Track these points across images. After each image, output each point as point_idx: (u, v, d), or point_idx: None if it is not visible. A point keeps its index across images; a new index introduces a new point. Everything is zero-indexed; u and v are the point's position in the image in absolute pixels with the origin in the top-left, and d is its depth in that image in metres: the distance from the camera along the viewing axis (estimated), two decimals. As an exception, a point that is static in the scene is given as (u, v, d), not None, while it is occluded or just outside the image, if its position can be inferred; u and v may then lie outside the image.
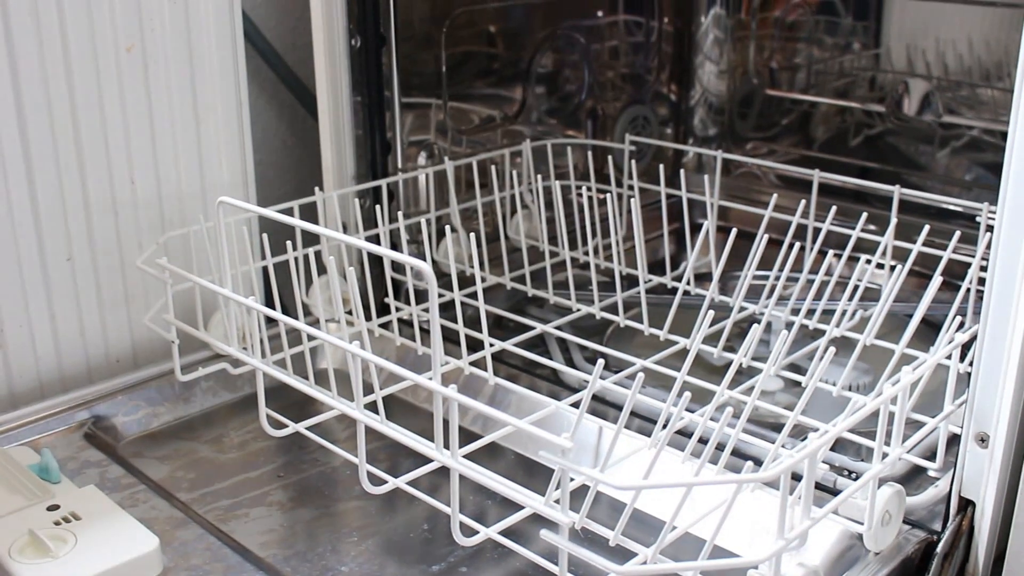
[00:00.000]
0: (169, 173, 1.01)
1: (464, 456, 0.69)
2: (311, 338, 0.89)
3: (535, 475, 0.86)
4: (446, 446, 0.67)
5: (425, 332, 1.00)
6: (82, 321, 0.98)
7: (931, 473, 0.79)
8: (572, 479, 0.68)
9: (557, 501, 0.62)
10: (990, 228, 0.92)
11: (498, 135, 1.23)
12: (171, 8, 0.98)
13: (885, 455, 0.69)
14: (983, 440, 0.69)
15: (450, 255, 0.96)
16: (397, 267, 1.07)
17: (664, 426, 0.71)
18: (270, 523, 0.81)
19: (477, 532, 0.69)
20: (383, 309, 1.04)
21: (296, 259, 0.93)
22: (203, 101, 1.02)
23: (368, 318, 1.00)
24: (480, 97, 1.21)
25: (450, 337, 0.96)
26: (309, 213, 0.98)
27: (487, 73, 1.21)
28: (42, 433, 0.91)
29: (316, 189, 1.01)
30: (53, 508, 0.78)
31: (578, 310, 1.03)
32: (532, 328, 0.99)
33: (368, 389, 0.80)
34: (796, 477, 0.63)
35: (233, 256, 0.89)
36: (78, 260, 0.97)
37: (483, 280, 1.00)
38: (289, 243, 0.93)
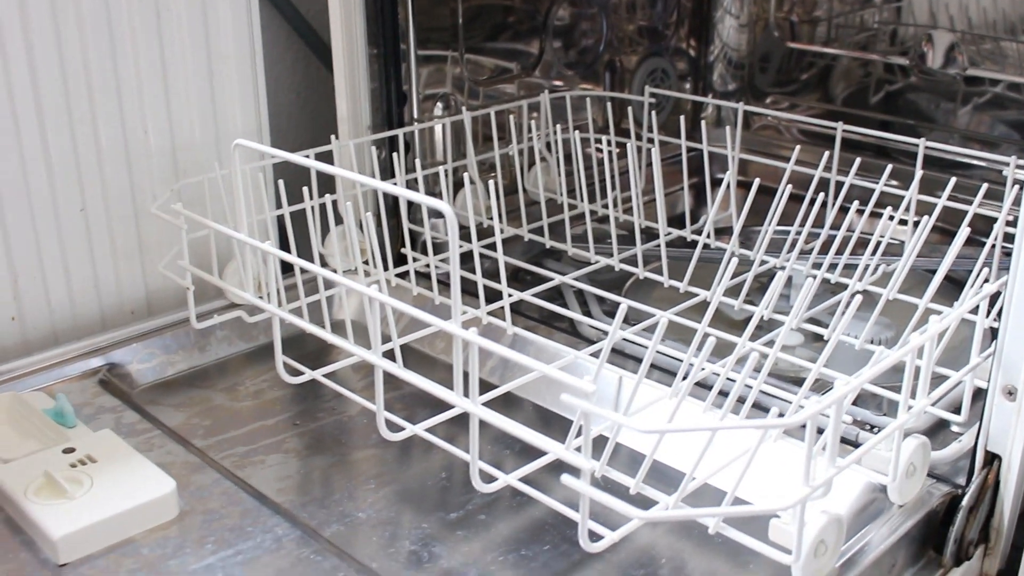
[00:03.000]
0: (183, 123, 1.01)
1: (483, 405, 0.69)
2: (328, 286, 0.89)
3: (552, 427, 0.86)
4: (466, 391, 0.66)
5: (442, 283, 0.99)
6: (96, 271, 0.98)
7: (955, 428, 0.78)
8: (593, 426, 0.68)
9: (579, 449, 0.61)
10: (1017, 182, 0.92)
11: (516, 87, 1.21)
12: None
13: (910, 407, 0.68)
14: (1011, 393, 0.68)
15: (468, 206, 0.95)
16: (414, 218, 1.07)
17: (684, 377, 0.71)
18: (286, 470, 0.81)
19: (496, 479, 0.69)
20: (400, 260, 1.03)
21: (312, 207, 0.92)
22: (217, 51, 1.01)
23: (385, 268, 0.99)
24: (497, 50, 1.19)
25: (468, 288, 0.94)
26: (324, 163, 0.97)
27: (504, 26, 1.20)
28: (57, 379, 0.90)
29: (332, 137, 1.00)
30: (69, 451, 0.77)
31: (596, 262, 1.02)
32: (550, 280, 0.98)
33: (386, 338, 0.79)
34: (820, 430, 0.62)
35: (248, 203, 0.88)
36: (91, 210, 0.97)
37: (501, 231, 1.00)
38: (305, 189, 0.92)
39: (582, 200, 1.06)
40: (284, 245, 0.95)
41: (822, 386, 0.81)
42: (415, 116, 1.08)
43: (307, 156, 0.95)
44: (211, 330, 0.96)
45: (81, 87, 0.93)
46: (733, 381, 0.68)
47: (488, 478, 0.69)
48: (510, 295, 0.91)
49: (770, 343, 0.84)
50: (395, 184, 1.03)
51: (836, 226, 0.94)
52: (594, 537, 0.63)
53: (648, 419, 0.77)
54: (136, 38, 0.95)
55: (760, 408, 0.78)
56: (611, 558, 0.70)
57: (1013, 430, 0.69)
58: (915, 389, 0.69)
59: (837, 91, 1.29)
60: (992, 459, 0.70)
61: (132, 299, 1.00)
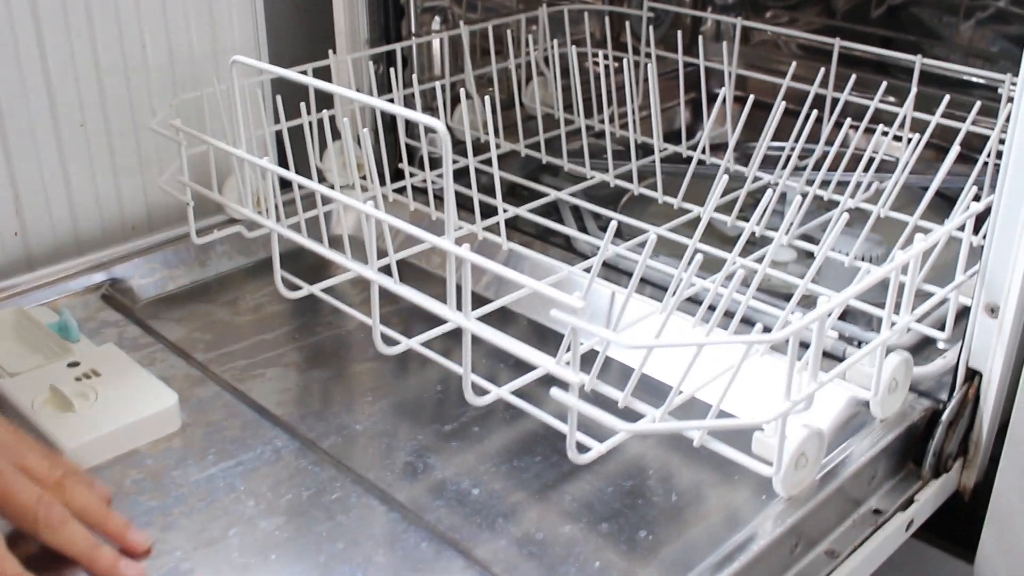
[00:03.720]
0: (180, 36, 1.00)
1: (477, 320, 0.70)
2: (326, 201, 0.90)
3: (547, 341, 0.87)
4: (459, 306, 0.68)
5: (439, 198, 1.01)
6: (96, 186, 0.99)
7: (940, 345, 0.80)
8: (583, 341, 0.70)
9: (568, 364, 0.63)
10: (1011, 100, 0.92)
11: (513, 1, 1.21)
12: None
13: (894, 323, 0.69)
14: (993, 311, 0.70)
15: (464, 121, 0.96)
16: (411, 133, 1.07)
17: (675, 292, 0.72)
18: (286, 383, 0.83)
19: (488, 392, 0.71)
20: (397, 175, 1.04)
21: (310, 123, 0.93)
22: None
23: (382, 183, 1.00)
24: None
25: (464, 204, 0.96)
26: (322, 78, 0.97)
27: None
28: (60, 294, 0.92)
29: (330, 52, 1.00)
30: (73, 365, 0.79)
31: (592, 178, 1.03)
32: (546, 195, 0.99)
33: (382, 253, 0.80)
34: (806, 345, 0.64)
35: (247, 118, 0.89)
36: (91, 125, 0.97)
37: (497, 147, 1.00)
38: (303, 105, 0.92)
39: (579, 115, 1.07)
40: (283, 161, 0.96)
41: (812, 302, 0.82)
42: (412, 30, 1.08)
43: (304, 72, 0.95)
44: (211, 245, 0.98)
45: (79, 6, 0.93)
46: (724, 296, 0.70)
47: (480, 391, 0.71)
48: (505, 210, 0.92)
49: (762, 259, 0.85)
50: (391, 100, 1.03)
51: (831, 142, 0.94)
52: (582, 449, 0.65)
53: (636, 335, 0.79)
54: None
55: (750, 323, 0.80)
56: (600, 469, 0.72)
57: (994, 347, 0.70)
58: (900, 306, 0.71)
59: (838, 5, 1.28)
60: (973, 375, 0.72)
61: (133, 214, 1.01)
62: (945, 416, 0.72)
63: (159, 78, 1.00)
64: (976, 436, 0.73)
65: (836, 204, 0.92)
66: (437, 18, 1.12)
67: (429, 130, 1.02)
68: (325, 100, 0.95)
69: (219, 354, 0.87)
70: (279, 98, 0.92)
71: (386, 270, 0.76)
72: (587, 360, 0.70)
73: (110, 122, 0.98)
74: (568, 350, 0.63)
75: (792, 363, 0.60)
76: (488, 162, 0.97)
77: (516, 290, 0.83)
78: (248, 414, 0.78)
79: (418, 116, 0.65)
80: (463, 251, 0.65)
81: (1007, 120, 0.72)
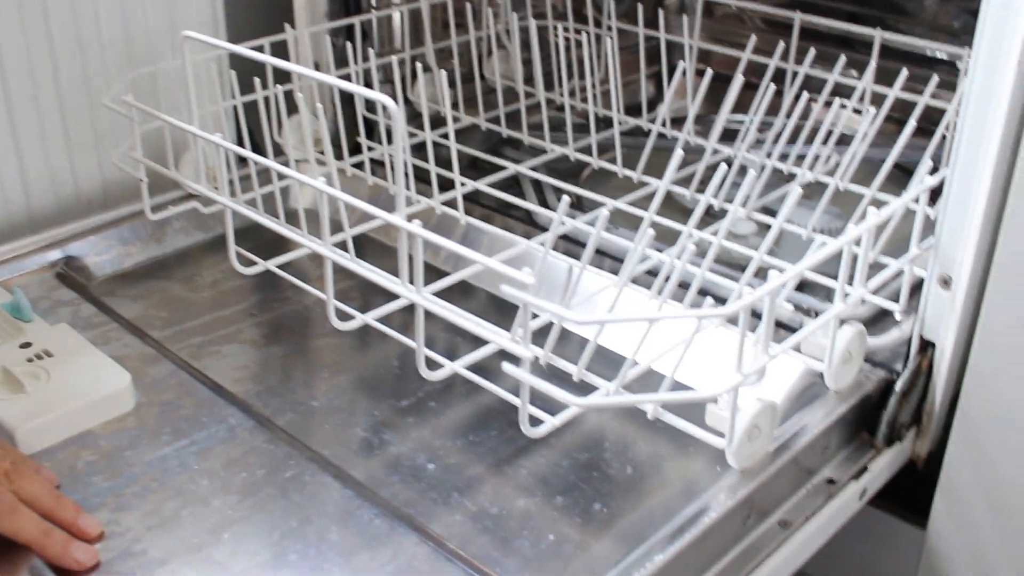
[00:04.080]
0: (135, 9, 0.99)
1: (435, 294, 0.70)
2: (282, 177, 0.89)
3: (506, 315, 0.87)
4: (412, 282, 0.68)
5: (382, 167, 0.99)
6: (50, 161, 0.97)
7: (896, 316, 0.80)
8: (536, 316, 0.69)
9: (520, 338, 0.63)
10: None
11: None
12: None
13: (847, 295, 0.70)
14: (946, 283, 0.70)
15: (422, 95, 0.95)
16: (370, 107, 1.06)
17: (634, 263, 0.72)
18: (242, 360, 0.82)
19: (442, 367, 0.70)
20: (357, 149, 1.03)
21: (267, 98, 0.92)
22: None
23: (340, 158, 0.99)
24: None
25: (424, 178, 0.96)
26: (280, 51, 0.97)
27: None
28: (14, 273, 0.91)
29: (287, 26, 0.99)
30: (25, 346, 0.79)
31: (551, 151, 1.03)
32: (505, 169, 0.99)
33: (338, 228, 0.80)
34: (760, 316, 0.64)
35: (201, 94, 0.88)
36: (43, 100, 0.96)
37: (456, 120, 1.00)
38: (258, 81, 0.91)
39: (539, 89, 1.06)
40: (240, 135, 0.95)
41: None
42: (372, 3, 1.07)
43: (261, 46, 0.95)
44: (168, 221, 0.97)
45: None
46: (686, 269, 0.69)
47: (435, 366, 0.71)
48: (463, 184, 0.92)
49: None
50: (349, 75, 1.03)
51: (791, 115, 0.94)
52: (535, 423, 0.65)
53: (592, 308, 0.79)
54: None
55: (707, 295, 0.80)
56: (556, 442, 0.72)
57: (947, 318, 0.71)
58: (855, 278, 0.71)
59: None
60: (926, 346, 0.72)
61: (88, 190, 1.00)
62: (898, 386, 0.72)
63: (114, 53, 0.99)
64: (929, 406, 0.74)
65: (795, 177, 0.92)
66: (396, -8, 1.11)
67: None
68: (284, 74, 0.94)
69: (175, 331, 0.86)
70: (234, 73, 0.91)
71: (344, 245, 0.76)
72: (547, 333, 0.70)
73: (64, 97, 0.97)
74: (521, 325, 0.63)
75: (742, 337, 0.60)
76: (447, 136, 0.97)
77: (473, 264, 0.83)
78: (203, 392, 0.78)
79: (370, 92, 0.64)
80: (413, 227, 0.64)
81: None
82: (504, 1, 1.13)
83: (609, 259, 0.90)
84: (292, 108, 0.96)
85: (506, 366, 0.62)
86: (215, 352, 0.83)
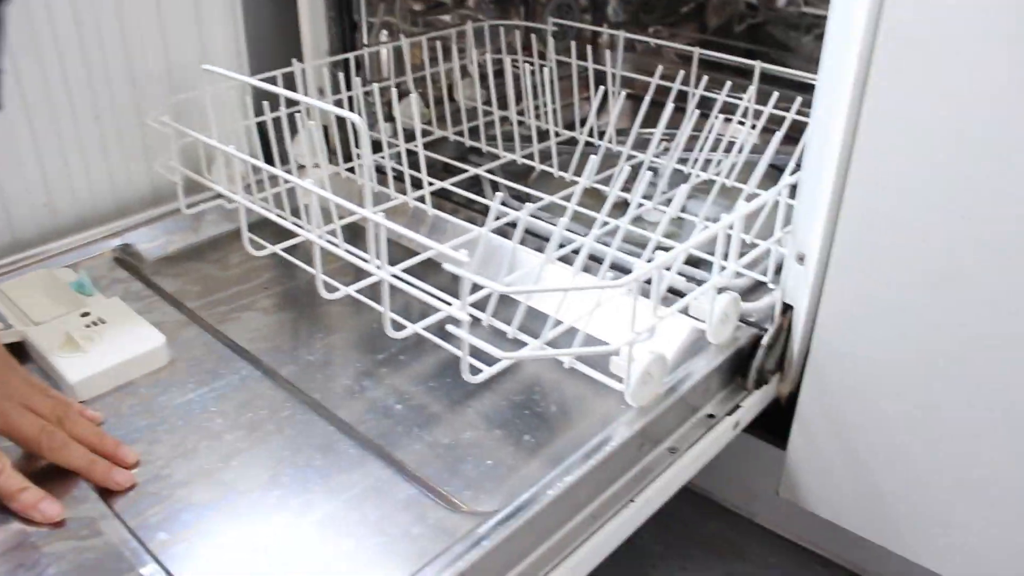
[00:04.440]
0: (175, 46, 0.97)
1: (409, 271, 0.68)
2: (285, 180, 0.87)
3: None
4: (379, 260, 0.66)
5: (382, 174, 0.98)
6: (110, 168, 0.95)
7: (769, 285, 0.79)
8: (481, 287, 0.68)
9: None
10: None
11: (449, 17, 1.17)
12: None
13: (723, 268, 0.68)
14: (801, 259, 0.68)
15: (396, 114, 0.93)
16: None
17: (560, 246, 0.71)
18: (256, 324, 0.81)
19: (404, 327, 0.69)
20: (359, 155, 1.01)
21: (279, 118, 0.90)
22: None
23: (336, 163, 0.97)
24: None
25: (402, 179, 0.94)
26: (290, 79, 0.95)
27: None
28: (81, 257, 0.89)
29: (294, 61, 0.96)
30: (85, 315, 0.77)
31: (503, 157, 1.01)
32: (465, 171, 0.97)
33: (330, 219, 0.78)
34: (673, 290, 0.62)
35: (230, 113, 0.86)
36: (105, 120, 0.94)
37: (429, 133, 0.98)
38: (266, 104, 0.89)
39: (496, 109, 1.04)
40: (266, 144, 0.92)
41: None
42: (364, 41, 1.05)
43: (274, 76, 0.92)
44: (202, 214, 0.95)
45: (90, 22, 0.89)
46: (606, 246, 0.68)
47: (399, 327, 0.69)
48: (431, 184, 0.90)
49: (634, 219, 0.84)
50: (347, 99, 1.00)
51: (698, 128, 0.92)
52: (475, 372, 0.64)
53: (526, 280, 0.77)
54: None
55: (620, 269, 0.78)
56: (498, 387, 0.71)
57: (802, 286, 0.69)
58: (730, 255, 0.69)
59: (710, 23, 1.25)
60: (787, 309, 0.71)
61: (140, 190, 0.98)
62: (764, 341, 0.71)
63: (158, 81, 0.96)
64: (789, 356, 0.72)
65: (690, 176, 0.91)
66: (384, 31, 1.08)
67: (385, 118, 1.00)
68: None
69: (205, 302, 0.84)
70: (248, 98, 0.89)
71: (335, 232, 0.74)
72: (508, 303, 0.68)
73: (119, 117, 0.94)
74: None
75: (635, 302, 0.59)
76: (427, 146, 0.95)
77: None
78: (223, 350, 0.76)
79: (342, 112, 0.62)
80: (377, 217, 0.63)
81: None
82: (469, 40, 1.11)
83: (545, 241, 0.88)
84: (301, 124, 0.94)
85: (450, 327, 0.60)
86: (235, 318, 0.82)
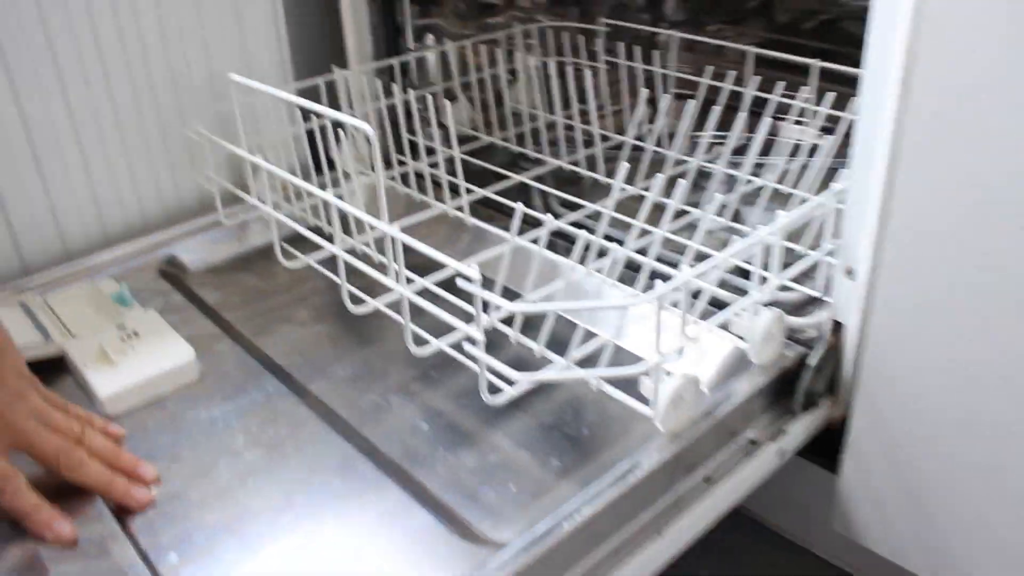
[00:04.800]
0: (217, 55, 0.97)
1: (441, 284, 0.66)
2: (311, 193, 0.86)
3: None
4: (400, 277, 0.64)
5: (425, 180, 0.95)
6: (156, 177, 0.96)
7: (825, 299, 0.74)
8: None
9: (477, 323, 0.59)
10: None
11: (502, 18, 1.15)
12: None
13: (766, 281, 0.64)
14: (850, 272, 0.64)
15: (449, 121, 0.91)
16: (411, 129, 1.03)
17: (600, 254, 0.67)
18: (292, 337, 0.80)
19: (428, 343, 0.67)
20: (402, 163, 0.99)
21: (321, 126, 0.89)
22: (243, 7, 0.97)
23: (386, 167, 0.96)
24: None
25: (453, 187, 0.92)
26: (331, 88, 0.94)
27: None
28: (127, 269, 0.90)
29: (333, 67, 0.96)
30: (120, 327, 0.77)
31: (549, 164, 0.97)
32: (517, 179, 0.94)
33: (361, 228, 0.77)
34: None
35: (268, 123, 0.85)
36: (150, 130, 0.94)
37: (476, 140, 0.96)
38: (297, 112, 0.89)
39: (543, 113, 1.01)
40: (314, 151, 0.92)
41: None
42: (410, 46, 1.03)
43: (316, 84, 0.92)
44: (248, 224, 0.95)
45: (131, 31, 0.90)
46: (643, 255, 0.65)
47: (421, 342, 0.67)
48: (469, 191, 0.88)
49: (684, 227, 0.80)
50: (392, 105, 0.99)
51: (751, 131, 0.88)
52: (494, 390, 0.61)
53: (567, 292, 0.74)
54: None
55: (663, 277, 0.74)
56: (529, 407, 0.69)
57: (852, 303, 0.65)
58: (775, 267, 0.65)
59: (779, 20, 1.19)
60: (838, 327, 0.67)
61: (188, 199, 0.99)
62: (812, 361, 0.66)
63: (202, 90, 0.97)
64: (840, 377, 0.68)
65: (750, 184, 0.86)
66: (431, 35, 1.07)
67: (437, 124, 0.97)
68: (335, 104, 0.91)
69: (244, 313, 0.84)
70: (287, 106, 0.89)
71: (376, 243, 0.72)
72: (539, 316, 0.65)
73: (164, 126, 0.95)
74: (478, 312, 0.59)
75: (658, 320, 0.55)
76: (473, 152, 0.94)
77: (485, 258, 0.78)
78: (254, 365, 0.76)
79: (353, 120, 0.61)
80: (393, 230, 0.61)
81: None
82: (519, 43, 1.08)
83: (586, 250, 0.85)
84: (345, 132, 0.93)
85: (466, 346, 0.58)
86: (272, 331, 0.81)
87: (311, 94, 0.92)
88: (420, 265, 0.67)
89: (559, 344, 0.66)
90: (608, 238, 0.74)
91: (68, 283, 0.86)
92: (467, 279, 0.54)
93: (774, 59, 0.95)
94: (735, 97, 0.90)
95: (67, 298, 0.83)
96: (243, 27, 0.97)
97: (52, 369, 0.74)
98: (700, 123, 0.91)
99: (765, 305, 0.66)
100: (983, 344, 0.58)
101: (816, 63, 0.88)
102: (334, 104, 0.94)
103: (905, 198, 0.59)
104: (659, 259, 0.72)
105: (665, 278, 0.73)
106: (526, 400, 0.68)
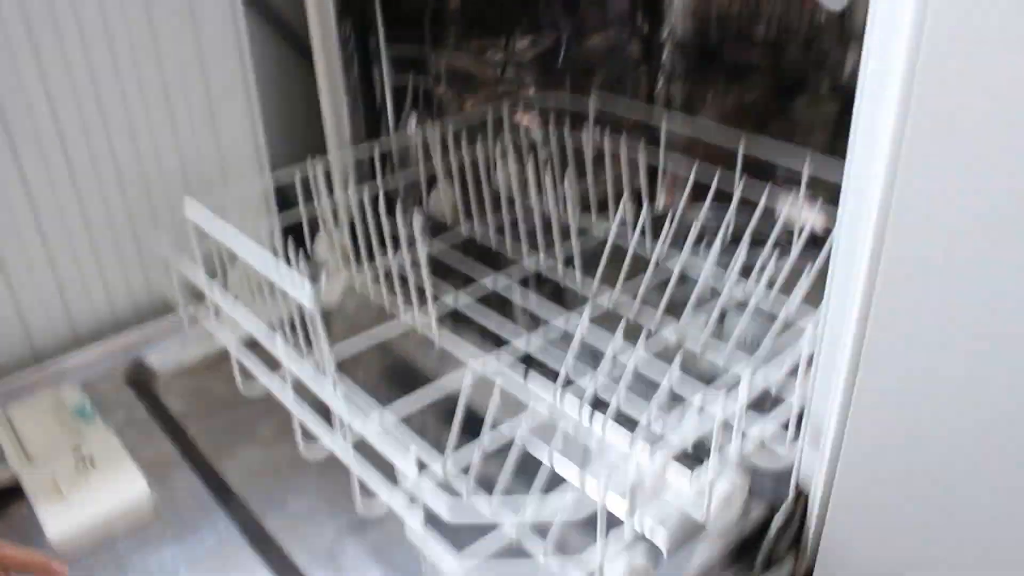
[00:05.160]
0: (188, 144, 0.95)
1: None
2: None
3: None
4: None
5: (399, 280, 0.92)
6: (127, 274, 0.95)
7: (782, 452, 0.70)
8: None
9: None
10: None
11: (486, 94, 1.12)
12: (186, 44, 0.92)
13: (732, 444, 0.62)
14: (815, 442, 0.61)
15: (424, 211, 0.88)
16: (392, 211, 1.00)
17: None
18: (253, 458, 0.79)
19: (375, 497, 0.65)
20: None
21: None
22: (215, 83, 0.95)
23: (370, 259, 0.93)
24: (459, 72, 1.10)
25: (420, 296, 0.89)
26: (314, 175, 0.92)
27: (469, 48, 1.10)
28: (94, 373, 0.89)
29: (308, 159, 0.93)
30: (76, 449, 0.77)
31: (525, 264, 0.94)
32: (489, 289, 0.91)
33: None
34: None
35: (245, 214, 0.83)
36: (117, 223, 0.93)
37: (455, 230, 0.93)
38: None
39: (515, 198, 0.97)
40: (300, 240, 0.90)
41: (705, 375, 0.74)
42: (391, 127, 1.01)
43: (293, 173, 0.90)
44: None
45: (95, 121, 0.89)
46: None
47: (369, 497, 0.65)
48: (437, 298, 0.85)
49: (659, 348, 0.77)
50: (376, 189, 0.96)
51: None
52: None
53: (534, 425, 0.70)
54: (142, 79, 0.91)
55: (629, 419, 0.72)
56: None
57: (817, 471, 0.62)
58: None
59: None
60: (800, 494, 0.64)
61: (160, 296, 0.98)
62: (774, 525, 0.64)
63: (173, 180, 0.95)
64: (806, 538, 0.65)
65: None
66: (413, 117, 1.05)
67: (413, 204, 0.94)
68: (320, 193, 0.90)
69: (207, 427, 0.83)
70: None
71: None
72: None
73: (134, 220, 0.94)
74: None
75: (601, 533, 0.53)
76: (455, 245, 0.91)
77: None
78: (208, 499, 0.74)
79: (293, 290, 0.59)
80: (326, 384, 0.59)
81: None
82: (506, 122, 1.05)
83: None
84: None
85: (408, 531, 0.56)
86: (232, 451, 0.80)
87: (288, 184, 0.91)
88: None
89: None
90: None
91: (33, 389, 0.86)
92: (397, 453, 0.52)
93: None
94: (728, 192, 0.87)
95: (28, 411, 0.82)
96: (216, 118, 0.96)
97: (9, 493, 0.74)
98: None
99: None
100: (946, 517, 0.55)
101: (807, 165, 0.84)
102: (310, 195, 0.92)
103: (866, 391, 0.56)
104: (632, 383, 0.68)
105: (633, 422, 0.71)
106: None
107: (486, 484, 0.61)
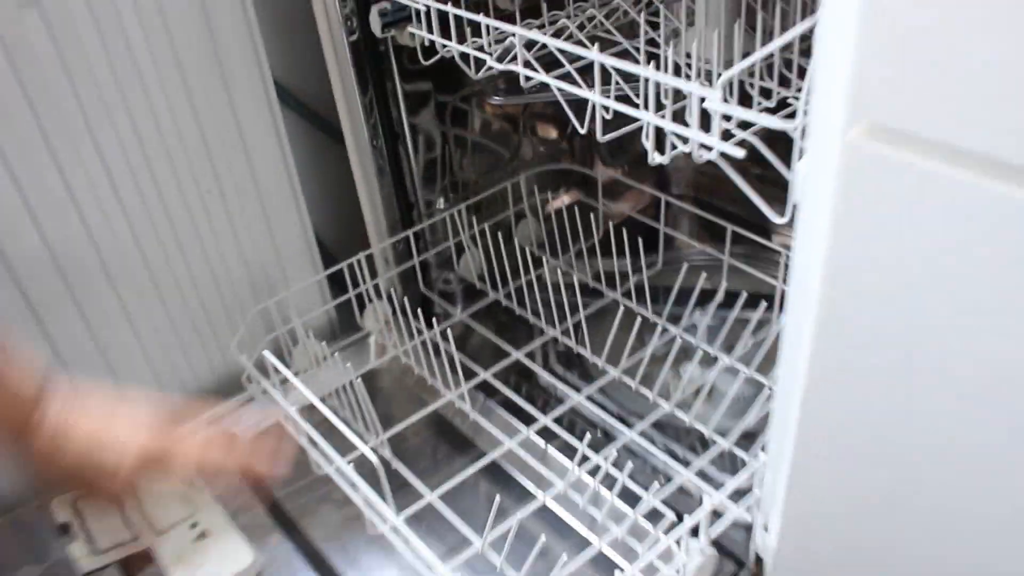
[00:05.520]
0: (250, 250, 1.12)
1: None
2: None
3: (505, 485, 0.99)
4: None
5: (435, 353, 1.07)
6: (209, 355, 1.14)
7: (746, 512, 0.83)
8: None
9: None
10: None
11: (502, 174, 1.27)
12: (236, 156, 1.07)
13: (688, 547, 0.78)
14: (767, 528, 0.77)
15: (458, 274, 1.04)
16: (428, 284, 1.18)
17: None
18: (330, 519, 0.96)
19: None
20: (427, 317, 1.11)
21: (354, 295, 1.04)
22: (267, 197, 1.11)
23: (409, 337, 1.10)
24: (478, 159, 1.24)
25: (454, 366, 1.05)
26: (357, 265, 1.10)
27: (482, 148, 1.24)
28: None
29: (354, 260, 1.10)
30: (193, 526, 0.93)
31: (545, 331, 1.10)
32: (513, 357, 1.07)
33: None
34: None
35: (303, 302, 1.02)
36: (198, 325, 1.12)
37: (483, 296, 1.07)
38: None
39: (528, 266, 1.14)
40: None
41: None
42: (422, 213, 1.17)
43: (341, 269, 1.06)
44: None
45: (170, 240, 1.06)
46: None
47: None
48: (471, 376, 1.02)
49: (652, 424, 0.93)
50: (413, 266, 1.12)
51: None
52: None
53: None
54: (203, 196, 1.06)
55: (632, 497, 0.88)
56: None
57: (768, 550, 0.77)
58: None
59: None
60: (759, 561, 0.79)
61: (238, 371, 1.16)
62: (739, 589, 0.80)
63: (241, 282, 1.12)
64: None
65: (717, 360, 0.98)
66: (441, 199, 1.20)
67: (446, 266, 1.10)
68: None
69: (291, 491, 1.01)
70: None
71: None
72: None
73: (212, 320, 1.12)
74: None
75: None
76: (480, 312, 1.08)
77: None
78: (299, 561, 0.93)
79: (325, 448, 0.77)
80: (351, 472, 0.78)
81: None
82: (523, 191, 1.21)
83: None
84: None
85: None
86: (313, 512, 0.98)
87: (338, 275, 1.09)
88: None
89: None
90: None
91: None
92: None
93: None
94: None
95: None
96: (269, 220, 1.12)
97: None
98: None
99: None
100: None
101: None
102: (356, 282, 1.10)
103: (802, 483, 0.71)
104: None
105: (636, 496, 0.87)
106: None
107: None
